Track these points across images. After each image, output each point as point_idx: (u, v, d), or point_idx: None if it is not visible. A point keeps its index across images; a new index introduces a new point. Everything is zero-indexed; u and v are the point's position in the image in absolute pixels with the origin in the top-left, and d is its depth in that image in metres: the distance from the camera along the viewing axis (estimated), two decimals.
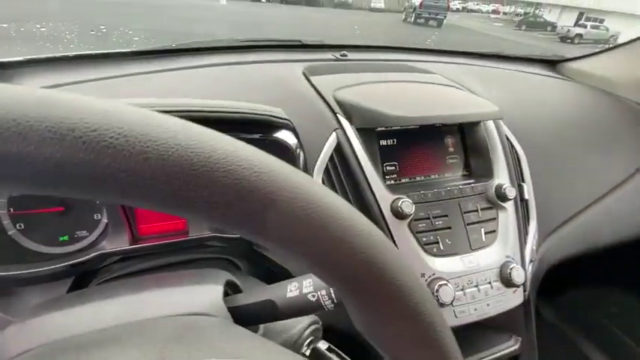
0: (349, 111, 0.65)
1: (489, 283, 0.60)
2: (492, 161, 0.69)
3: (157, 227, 0.56)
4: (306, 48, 1.11)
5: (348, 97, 0.67)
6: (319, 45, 1.12)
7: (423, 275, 0.57)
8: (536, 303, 1.07)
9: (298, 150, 0.54)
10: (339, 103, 0.67)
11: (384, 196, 0.59)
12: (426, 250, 0.59)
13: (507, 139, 0.74)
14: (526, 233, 0.69)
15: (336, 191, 0.60)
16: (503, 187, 0.64)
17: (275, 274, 0.60)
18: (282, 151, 0.60)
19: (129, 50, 0.91)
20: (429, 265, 0.58)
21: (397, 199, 0.58)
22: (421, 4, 17.19)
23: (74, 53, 0.81)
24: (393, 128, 0.67)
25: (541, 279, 0.75)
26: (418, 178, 0.69)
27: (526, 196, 0.70)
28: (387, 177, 0.66)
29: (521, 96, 0.97)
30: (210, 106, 0.43)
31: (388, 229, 0.58)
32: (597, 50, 1.17)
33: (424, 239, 0.60)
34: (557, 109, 0.96)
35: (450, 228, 0.62)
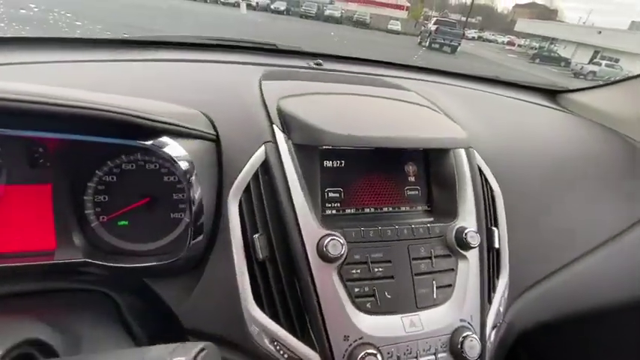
0: (289, 123, 0.54)
1: (434, 354, 0.47)
2: (458, 197, 0.57)
3: (18, 244, 0.45)
4: (280, 53, 1.02)
5: (291, 106, 0.56)
6: (294, 51, 1.03)
7: (346, 338, 0.45)
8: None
9: (185, 164, 0.42)
10: (280, 113, 0.56)
11: (311, 231, 0.47)
12: (356, 305, 0.47)
13: (481, 172, 0.62)
14: (492, 290, 0.56)
15: (254, 218, 0.49)
16: (466, 231, 0.52)
17: (169, 320, 0.48)
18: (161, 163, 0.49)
19: (85, 37, 0.84)
20: (357, 325, 0.45)
21: (326, 236, 0.46)
22: (437, 30, 17.37)
23: (12, 35, 0.75)
24: (342, 148, 0.56)
25: (510, 346, 0.62)
26: (367, 210, 0.57)
27: (496, 245, 0.58)
28: (327, 205, 0.55)
29: (510, 125, 0.86)
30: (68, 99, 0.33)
31: (311, 274, 0.46)
32: (602, 83, 1.06)
33: (356, 290, 0.47)
34: (551, 144, 0.85)
35: (392, 277, 0.49)
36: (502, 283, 0.58)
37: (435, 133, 0.55)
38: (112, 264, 0.45)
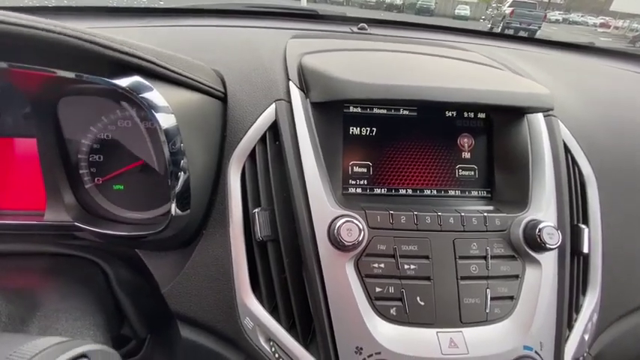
0: (308, 78, 0.44)
1: None
2: (532, 181, 0.42)
3: (8, 202, 0.42)
4: (320, 19, 0.92)
5: (315, 61, 0.46)
6: (336, 16, 0.92)
7: (359, 350, 0.34)
8: None
9: (168, 118, 0.33)
10: (301, 69, 0.46)
11: (322, 209, 0.37)
12: (376, 309, 0.36)
13: (567, 149, 0.46)
14: (574, 311, 0.41)
15: (257, 190, 0.40)
16: (541, 226, 0.37)
17: (161, 300, 0.43)
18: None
19: (112, 6, 0.83)
20: (374, 335, 0.34)
21: (341, 217, 0.36)
22: (512, 12, 15.60)
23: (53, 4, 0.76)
24: (373, 111, 0.45)
25: None
26: (402, 192, 0.45)
27: (585, 249, 0.42)
28: (350, 182, 0.44)
29: (609, 95, 0.65)
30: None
31: (319, 264, 0.36)
32: None
33: (377, 290, 0.36)
34: None
35: (427, 279, 0.37)
36: (590, 302, 0.42)
37: (506, 86, 0.41)
38: (99, 230, 0.40)
